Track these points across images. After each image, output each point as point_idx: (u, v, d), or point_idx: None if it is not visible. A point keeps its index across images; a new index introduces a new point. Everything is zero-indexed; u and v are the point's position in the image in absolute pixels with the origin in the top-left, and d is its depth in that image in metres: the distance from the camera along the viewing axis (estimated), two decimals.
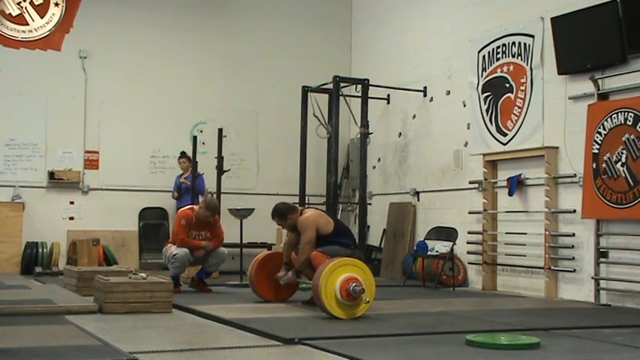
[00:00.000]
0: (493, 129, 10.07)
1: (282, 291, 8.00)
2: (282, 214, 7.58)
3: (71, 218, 12.02)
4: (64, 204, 12.01)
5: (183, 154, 11.96)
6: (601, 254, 8.47)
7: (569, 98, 8.92)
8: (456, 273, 10.11)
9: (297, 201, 11.19)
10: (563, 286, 8.98)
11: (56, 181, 11.89)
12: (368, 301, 6.55)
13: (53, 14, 12.08)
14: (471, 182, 10.38)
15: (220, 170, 10.93)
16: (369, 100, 11.15)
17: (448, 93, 11.06)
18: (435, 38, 11.41)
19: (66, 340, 5.30)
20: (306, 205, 11.31)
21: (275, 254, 8.35)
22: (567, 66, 8.89)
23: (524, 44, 9.60)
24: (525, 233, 9.49)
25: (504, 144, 9.88)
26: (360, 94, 11.13)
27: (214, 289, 9.22)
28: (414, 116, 11.79)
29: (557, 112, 9.08)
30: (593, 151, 8.39)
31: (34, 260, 11.31)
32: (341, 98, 10.97)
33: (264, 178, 13.08)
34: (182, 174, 12.01)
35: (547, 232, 9.05)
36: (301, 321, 6.54)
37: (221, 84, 12.96)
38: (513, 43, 9.79)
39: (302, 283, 7.98)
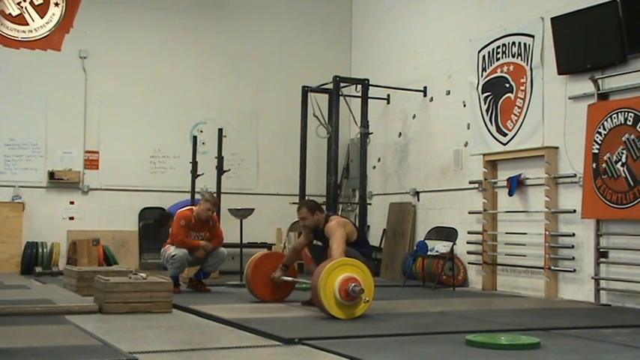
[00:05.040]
0: (493, 129, 10.07)
1: (278, 291, 8.00)
2: (313, 208, 7.45)
3: (71, 218, 12.02)
4: (64, 204, 12.01)
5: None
6: (601, 254, 8.46)
7: (569, 98, 8.91)
8: (456, 273, 10.10)
9: (297, 201, 11.19)
10: (563, 286, 8.98)
11: (56, 181, 11.89)
12: (368, 301, 6.54)
13: (53, 14, 12.08)
14: (471, 182, 10.38)
15: (220, 170, 10.94)
16: (369, 100, 11.15)
17: (448, 93, 11.06)
18: (435, 38, 11.41)
19: (66, 340, 5.30)
20: None
21: (271, 254, 8.35)
22: (567, 66, 8.88)
23: (524, 44, 9.60)
24: (525, 233, 9.49)
25: (504, 144, 9.88)
26: (360, 94, 11.13)
27: (214, 289, 9.22)
28: (414, 116, 11.78)
29: (557, 112, 9.07)
30: (593, 151, 8.39)
31: (34, 260, 11.31)
32: (341, 98, 10.97)
33: (264, 178, 13.08)
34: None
35: (547, 232, 9.05)
36: (301, 321, 6.53)
37: (221, 84, 12.96)
38: (513, 43, 9.79)
39: (301, 284, 7.97)
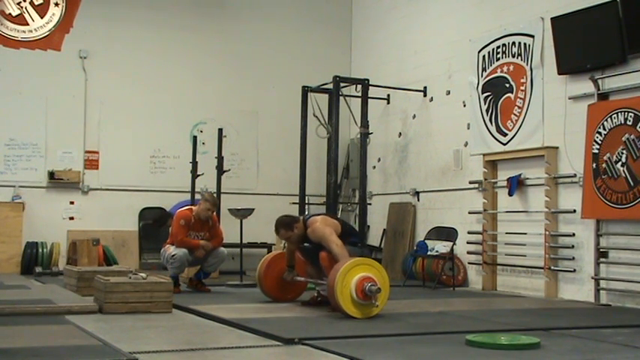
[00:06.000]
0: (493, 129, 10.07)
1: (290, 291, 8.02)
2: (289, 224, 7.48)
3: (71, 218, 12.02)
4: (64, 204, 12.01)
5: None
6: (601, 254, 8.46)
7: (569, 98, 8.91)
8: (456, 273, 10.10)
9: (297, 201, 11.21)
10: (563, 286, 8.98)
11: (56, 181, 11.89)
12: (377, 305, 6.56)
13: (53, 14, 12.08)
14: (471, 182, 10.38)
15: (220, 170, 10.93)
16: (369, 100, 11.14)
17: (448, 93, 11.06)
18: (435, 38, 11.41)
19: (66, 340, 5.30)
20: (306, 207, 11.32)
21: (284, 254, 8.33)
22: (567, 66, 8.88)
23: (524, 44, 9.60)
24: (525, 233, 9.49)
25: (504, 144, 9.88)
26: (360, 94, 11.12)
27: (214, 289, 9.22)
28: (414, 116, 11.78)
29: (557, 112, 9.08)
30: (593, 151, 8.39)
31: (34, 260, 11.30)
32: (341, 98, 10.96)
33: (264, 178, 13.08)
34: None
35: (547, 232, 9.05)
36: (301, 321, 6.54)
37: (221, 84, 12.96)
38: (513, 43, 9.79)
39: (310, 283, 7.95)
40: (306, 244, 7.62)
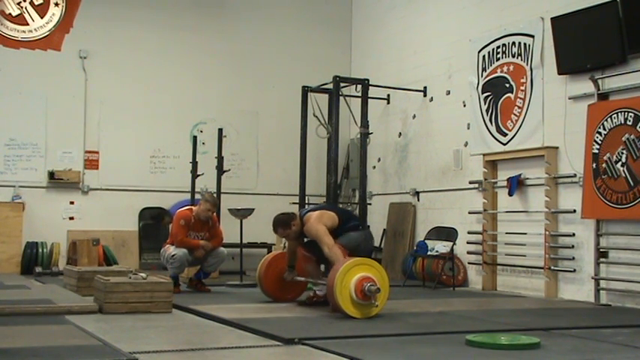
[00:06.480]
0: (493, 129, 10.07)
1: (290, 291, 8.02)
2: (286, 222, 7.47)
3: (71, 218, 12.02)
4: (64, 204, 12.01)
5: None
6: (601, 254, 8.46)
7: (569, 98, 8.91)
8: (456, 273, 10.11)
9: (297, 201, 11.20)
10: (563, 286, 8.98)
11: (56, 181, 11.90)
12: (377, 305, 6.56)
13: (53, 14, 12.08)
14: (471, 182, 10.38)
15: (220, 170, 10.93)
16: (369, 100, 11.12)
17: (448, 93, 11.06)
18: (435, 38, 11.41)
19: (66, 340, 5.30)
20: (306, 207, 11.31)
21: (284, 254, 8.34)
22: (567, 66, 8.89)
23: (524, 44, 9.60)
24: (525, 233, 9.49)
25: (504, 144, 9.88)
26: (360, 94, 11.11)
27: (214, 289, 9.22)
28: (414, 116, 11.79)
29: (557, 112, 9.08)
30: (593, 151, 8.39)
31: (34, 260, 11.30)
32: (341, 98, 10.95)
33: (264, 178, 13.08)
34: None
35: (547, 232, 9.05)
36: (301, 321, 6.54)
37: (221, 84, 12.96)
38: (513, 43, 9.79)
39: (310, 283, 7.96)
40: (307, 239, 7.63)
